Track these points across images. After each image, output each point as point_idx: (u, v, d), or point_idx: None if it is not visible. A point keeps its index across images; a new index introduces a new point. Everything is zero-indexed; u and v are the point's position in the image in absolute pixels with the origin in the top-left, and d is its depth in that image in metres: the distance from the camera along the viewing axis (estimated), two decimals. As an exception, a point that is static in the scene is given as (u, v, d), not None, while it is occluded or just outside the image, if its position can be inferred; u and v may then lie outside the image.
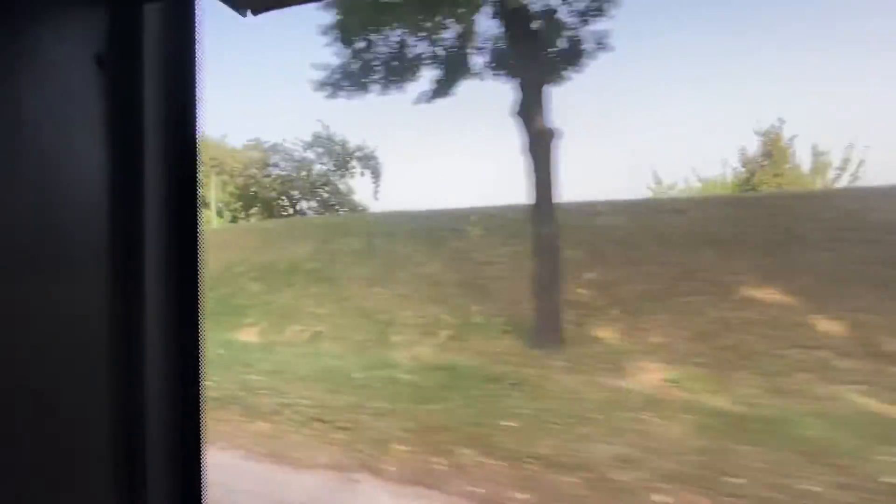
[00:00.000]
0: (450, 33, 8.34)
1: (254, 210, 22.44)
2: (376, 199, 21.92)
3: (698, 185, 17.49)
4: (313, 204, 23.02)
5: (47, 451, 0.64)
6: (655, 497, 3.74)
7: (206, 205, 19.88)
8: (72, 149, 0.68)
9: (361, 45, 8.43)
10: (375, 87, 8.83)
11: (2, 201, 0.60)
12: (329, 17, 8.16)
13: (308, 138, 22.26)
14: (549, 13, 7.75)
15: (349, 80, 8.78)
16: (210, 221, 19.61)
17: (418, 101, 9.09)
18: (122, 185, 0.74)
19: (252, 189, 21.99)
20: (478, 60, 8.54)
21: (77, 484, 0.69)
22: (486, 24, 8.16)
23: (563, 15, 7.82)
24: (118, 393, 0.73)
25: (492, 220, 10.63)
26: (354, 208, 22.45)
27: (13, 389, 0.61)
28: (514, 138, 7.61)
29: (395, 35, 8.37)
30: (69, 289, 0.67)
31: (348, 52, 8.48)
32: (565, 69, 8.19)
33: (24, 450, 0.62)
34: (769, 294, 7.05)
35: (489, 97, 17.33)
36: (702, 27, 21.83)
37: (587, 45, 8.03)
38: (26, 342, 0.62)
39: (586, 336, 7.09)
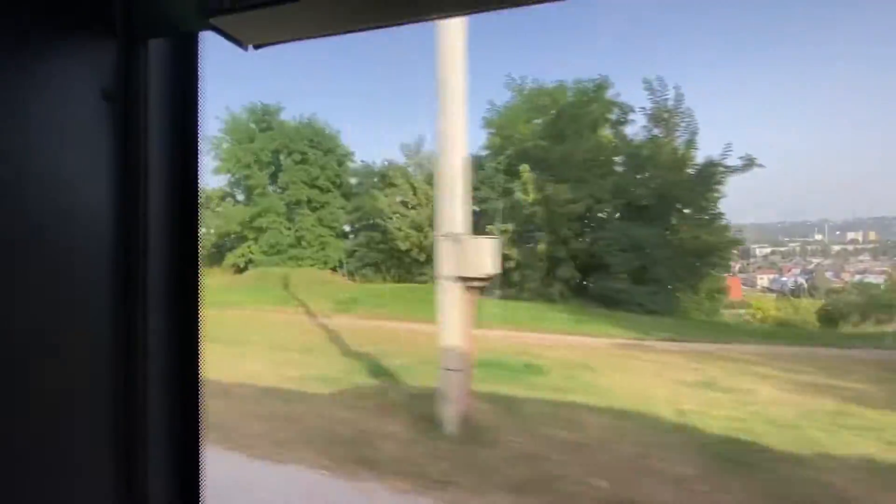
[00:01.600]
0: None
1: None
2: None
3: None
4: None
5: (51, 446, 0.67)
6: None
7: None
8: (78, 179, 0.71)
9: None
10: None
11: (10, 225, 0.63)
12: None
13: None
14: None
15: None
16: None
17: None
18: (125, 212, 0.77)
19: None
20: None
21: (78, 478, 0.72)
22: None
23: None
24: (119, 392, 0.77)
25: None
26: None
27: (20, 389, 0.64)
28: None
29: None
30: (72, 308, 0.71)
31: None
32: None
33: (29, 444, 0.65)
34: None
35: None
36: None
37: None
38: (34, 349, 0.65)
39: None
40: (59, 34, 0.69)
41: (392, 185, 24.82)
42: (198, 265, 0.86)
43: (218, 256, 29.41)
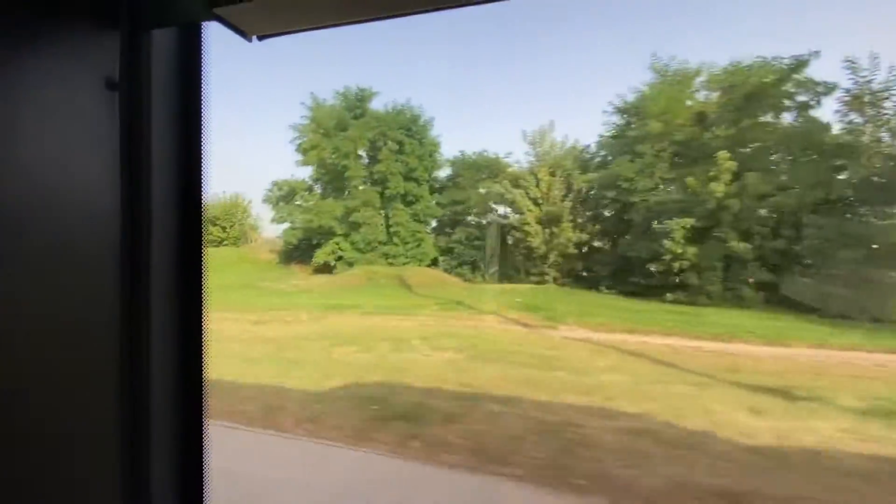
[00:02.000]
0: None
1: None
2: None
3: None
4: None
5: (52, 445, 0.67)
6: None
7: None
8: (81, 168, 0.71)
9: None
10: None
11: (12, 215, 0.63)
12: None
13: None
14: None
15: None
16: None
17: None
18: (129, 202, 0.78)
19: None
20: None
21: (81, 477, 0.71)
22: None
23: None
24: (123, 393, 0.76)
25: None
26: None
27: (24, 388, 0.64)
28: None
29: None
30: (78, 299, 0.70)
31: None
32: None
33: (31, 442, 0.65)
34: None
35: None
36: None
37: None
38: (37, 345, 0.65)
39: None
40: (62, 23, 0.69)
41: (513, 177, 22.75)
42: (202, 258, 0.85)
43: (298, 253, 27.45)
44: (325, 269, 25.60)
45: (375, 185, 25.14)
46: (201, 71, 0.85)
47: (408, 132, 25.21)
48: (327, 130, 25.63)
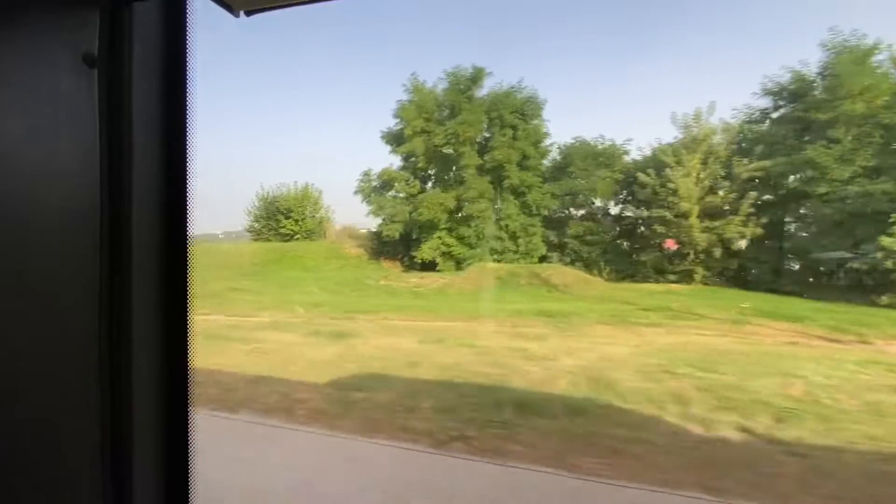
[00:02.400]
0: None
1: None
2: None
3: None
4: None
5: (30, 446, 0.64)
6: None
7: None
8: (57, 150, 0.67)
9: None
10: None
11: None
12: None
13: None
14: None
15: None
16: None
17: None
18: (109, 185, 0.72)
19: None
20: None
21: (60, 479, 0.69)
22: None
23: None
24: (103, 388, 0.72)
25: None
26: None
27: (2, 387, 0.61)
28: None
29: None
30: (54, 287, 0.67)
31: None
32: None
33: (7, 443, 0.62)
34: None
35: None
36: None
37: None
38: (14, 339, 0.62)
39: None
40: None
41: (640, 166, 20.59)
42: (187, 245, 0.81)
43: (388, 248, 25.46)
44: (424, 266, 23.60)
45: (486, 173, 22.98)
46: (186, 47, 0.80)
47: (521, 115, 23.04)
48: (430, 114, 23.50)
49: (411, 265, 24.69)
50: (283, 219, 30.59)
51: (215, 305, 12.88)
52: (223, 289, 16.02)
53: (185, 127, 0.80)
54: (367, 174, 26.31)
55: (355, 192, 26.19)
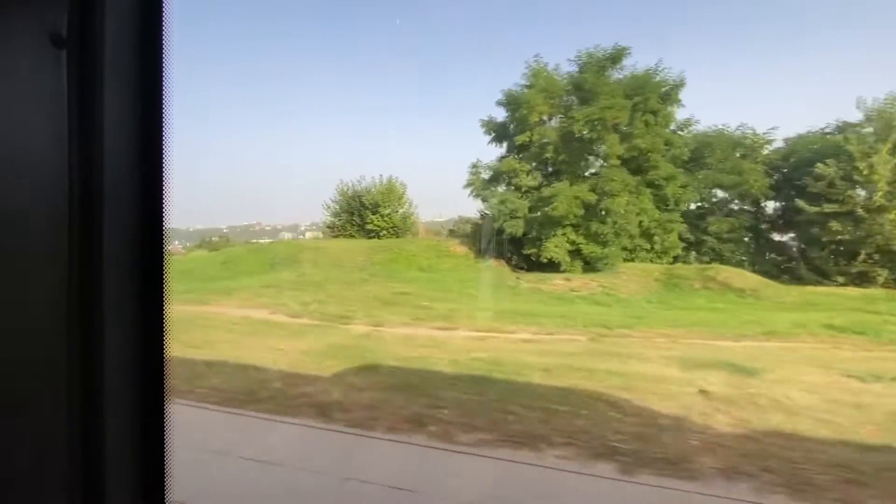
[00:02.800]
0: None
1: None
2: None
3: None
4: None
5: (3, 433, 0.63)
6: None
7: None
8: (23, 136, 0.64)
9: None
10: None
11: None
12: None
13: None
14: None
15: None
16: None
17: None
18: (80, 173, 0.69)
19: None
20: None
21: (28, 476, 0.66)
22: None
23: None
24: (73, 381, 0.69)
25: None
26: None
27: None
28: None
29: None
30: (23, 274, 0.64)
31: None
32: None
33: None
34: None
35: None
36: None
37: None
38: None
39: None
40: None
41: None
42: (163, 234, 0.77)
43: (497, 248, 23.47)
44: (539, 265, 21.62)
45: (625, 163, 20.92)
46: (162, 26, 0.74)
47: (662, 99, 20.93)
48: (558, 99, 21.46)
49: (521, 264, 22.75)
50: (370, 214, 28.67)
51: (420, 315, 10.98)
52: (388, 294, 14.13)
53: (162, 110, 0.75)
54: (475, 166, 24.34)
55: (465, 186, 24.23)
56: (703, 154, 22.15)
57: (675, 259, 21.79)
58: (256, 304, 11.68)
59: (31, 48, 0.63)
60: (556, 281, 18.79)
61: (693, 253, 22.03)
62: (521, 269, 22.57)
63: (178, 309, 10.55)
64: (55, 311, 0.67)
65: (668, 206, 21.58)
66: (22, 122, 0.62)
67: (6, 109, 0.61)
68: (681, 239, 21.87)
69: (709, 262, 21.09)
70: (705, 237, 21.95)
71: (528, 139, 21.95)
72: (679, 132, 21.86)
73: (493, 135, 24.56)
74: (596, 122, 19.75)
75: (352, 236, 28.72)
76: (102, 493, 0.71)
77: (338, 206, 29.91)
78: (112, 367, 0.71)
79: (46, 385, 0.67)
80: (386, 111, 36.41)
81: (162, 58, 0.75)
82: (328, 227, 30.58)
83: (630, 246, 21.45)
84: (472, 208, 27.89)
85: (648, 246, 21.61)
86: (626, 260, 21.24)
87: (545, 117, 21.63)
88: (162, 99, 0.75)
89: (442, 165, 41.23)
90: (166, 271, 0.77)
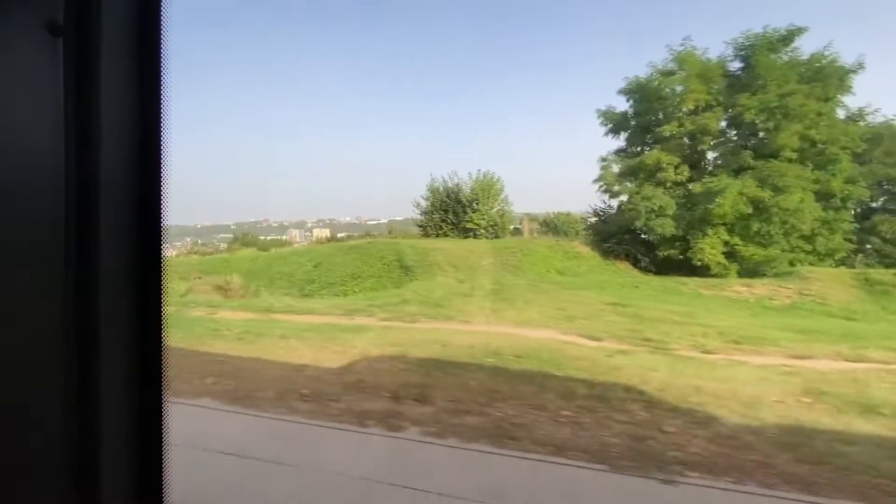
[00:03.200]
0: None
1: None
2: None
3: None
4: None
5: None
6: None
7: None
8: (18, 126, 0.63)
9: None
10: None
11: None
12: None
13: None
14: None
15: None
16: None
17: None
18: (76, 165, 0.68)
19: None
20: None
21: (21, 475, 0.65)
22: None
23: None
24: (70, 379, 0.69)
25: None
26: None
27: None
28: None
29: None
30: (17, 273, 0.63)
31: None
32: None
33: None
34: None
35: None
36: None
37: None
38: None
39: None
40: None
41: None
42: (161, 228, 0.76)
43: (620, 249, 21.48)
44: (675, 266, 19.63)
45: (796, 156, 18.85)
46: (161, 14, 0.73)
47: (838, 85, 18.86)
48: (704, 81, 19.41)
49: (650, 267, 20.80)
50: (470, 212, 26.73)
51: (663, 335, 8.95)
52: (596, 308, 12.09)
53: (160, 98, 0.74)
54: (605, 159, 22.36)
55: (594, 181, 22.25)
56: (868, 147, 20.06)
57: (839, 262, 19.75)
58: (525, 322, 9.67)
59: (27, 35, 0.62)
60: (736, 287, 16.77)
61: (860, 255, 19.97)
62: (650, 272, 20.64)
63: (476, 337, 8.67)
64: (51, 303, 0.66)
65: (833, 204, 19.51)
66: (18, 110, 0.61)
67: (2, 97, 0.59)
68: (845, 239, 19.82)
69: (876, 266, 19.06)
70: (871, 238, 19.90)
71: (675, 129, 19.93)
72: (855, 122, 19.72)
73: (611, 125, 22.59)
74: (775, 110, 17.68)
75: (445, 234, 26.80)
76: (99, 494, 0.70)
77: (429, 204, 28.01)
78: (109, 367, 0.70)
79: (44, 385, 0.66)
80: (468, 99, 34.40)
81: (160, 44, 0.73)
82: (418, 225, 28.66)
83: (789, 247, 19.42)
84: (562, 204, 25.98)
85: (809, 247, 19.55)
86: (792, 262, 19.20)
87: (701, 105, 19.58)
88: (160, 86, 0.74)
89: (532, 158, 39.07)
90: (164, 267, 0.75)
